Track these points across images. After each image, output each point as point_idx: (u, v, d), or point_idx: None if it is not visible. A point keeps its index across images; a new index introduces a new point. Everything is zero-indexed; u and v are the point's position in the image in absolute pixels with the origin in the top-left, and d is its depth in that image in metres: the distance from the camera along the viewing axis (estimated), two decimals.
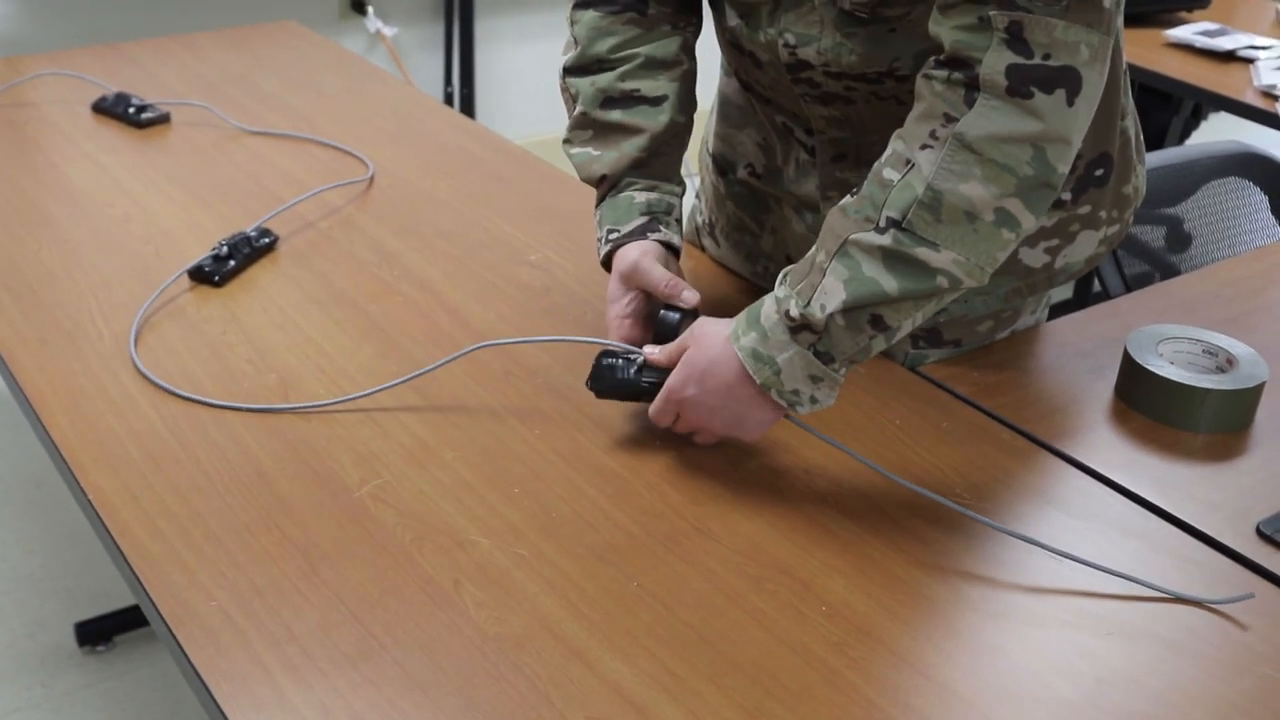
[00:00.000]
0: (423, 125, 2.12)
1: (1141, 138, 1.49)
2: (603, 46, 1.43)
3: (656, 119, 1.42)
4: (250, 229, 1.69)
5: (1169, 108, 3.37)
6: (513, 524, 1.21)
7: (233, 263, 1.62)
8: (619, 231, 1.40)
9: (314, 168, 1.94)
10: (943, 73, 1.15)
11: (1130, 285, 2.11)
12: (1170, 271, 2.20)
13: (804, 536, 1.21)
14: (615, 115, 1.42)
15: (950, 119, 1.14)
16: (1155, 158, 2.16)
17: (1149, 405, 1.42)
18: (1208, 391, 1.39)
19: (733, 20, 1.41)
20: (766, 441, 1.34)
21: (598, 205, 1.45)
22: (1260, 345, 1.55)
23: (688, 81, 1.45)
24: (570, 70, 1.46)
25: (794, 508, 1.25)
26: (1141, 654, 1.10)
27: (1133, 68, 2.84)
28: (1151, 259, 2.22)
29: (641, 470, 1.29)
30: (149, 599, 1.13)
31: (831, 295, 1.17)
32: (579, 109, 1.44)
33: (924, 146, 1.15)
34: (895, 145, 1.18)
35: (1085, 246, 1.47)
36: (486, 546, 1.19)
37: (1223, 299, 1.70)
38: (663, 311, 1.35)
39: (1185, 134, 3.49)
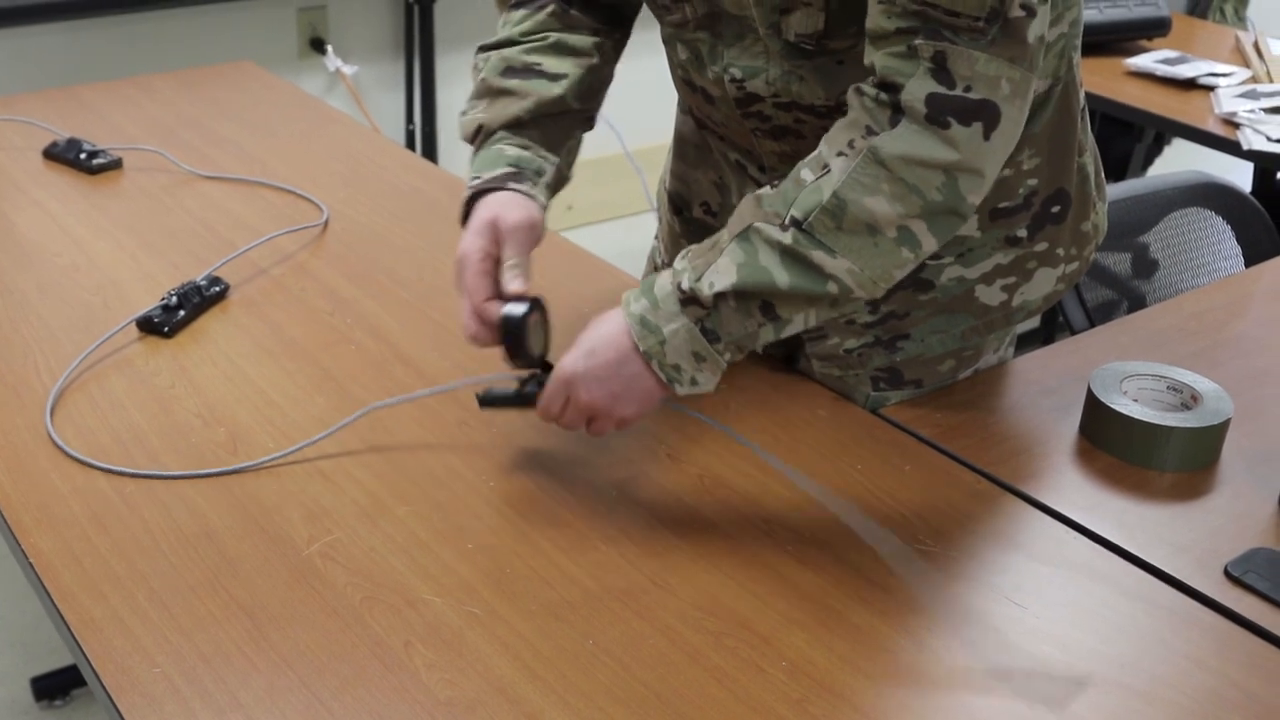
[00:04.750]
0: (379, 168, 2.09)
1: (1102, 175, 1.48)
2: (518, 30, 1.43)
3: (549, 89, 1.38)
4: (200, 277, 1.66)
5: (1131, 136, 3.37)
6: (465, 581, 1.19)
7: (182, 313, 1.59)
8: (479, 179, 1.35)
9: (267, 213, 1.91)
10: (872, 90, 1.15)
11: (1098, 314, 2.10)
12: (1137, 299, 2.19)
13: (764, 588, 1.19)
14: (512, 83, 1.39)
15: (871, 132, 1.14)
16: (1118, 189, 2.15)
17: (1114, 444, 1.40)
18: (1172, 430, 1.37)
19: (683, 55, 1.40)
20: (725, 492, 1.32)
21: (472, 159, 1.40)
22: (1225, 380, 1.54)
23: (594, 75, 1.42)
24: (483, 47, 1.45)
25: (754, 559, 1.22)
26: (1111, 705, 1.08)
27: (1094, 96, 2.84)
28: (1118, 287, 2.21)
29: (597, 523, 1.27)
30: (90, 666, 1.10)
31: (722, 275, 1.17)
32: (480, 77, 1.42)
33: (840, 154, 1.15)
34: (820, 148, 1.18)
35: (1043, 284, 1.45)
36: (438, 605, 1.16)
37: (1188, 332, 1.68)
38: (506, 308, 1.27)
39: (1148, 161, 3.49)
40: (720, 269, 1.17)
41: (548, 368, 1.28)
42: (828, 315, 1.20)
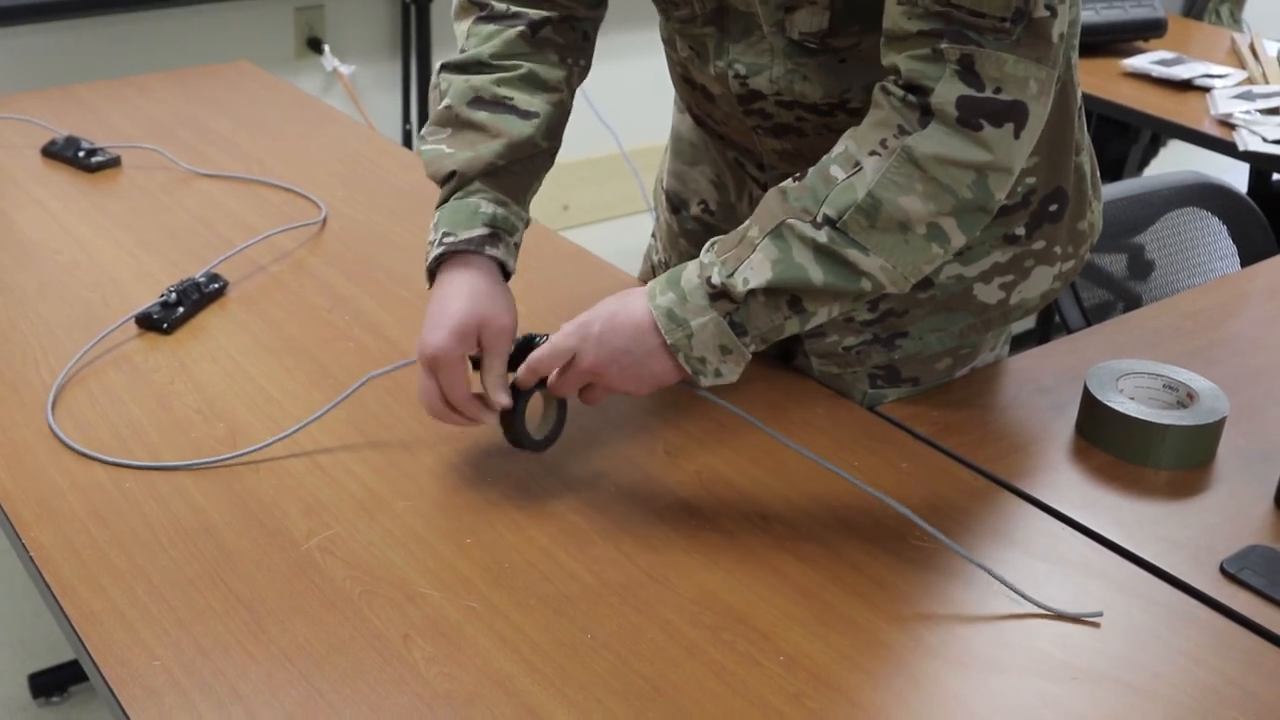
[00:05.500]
0: (377, 166, 2.09)
1: (1098, 174, 1.49)
2: (486, 50, 1.37)
3: (521, 129, 1.34)
4: (199, 274, 1.66)
5: (1127, 136, 3.38)
6: (464, 575, 1.19)
7: (181, 309, 1.59)
8: (455, 237, 1.30)
9: (266, 211, 1.91)
10: (899, 91, 1.15)
11: (1093, 314, 2.11)
12: (1133, 300, 2.19)
13: (761, 584, 1.19)
14: (481, 116, 1.34)
15: (903, 131, 1.14)
16: (1114, 189, 2.16)
17: (1110, 442, 1.40)
18: (1168, 428, 1.37)
19: (684, 52, 1.40)
20: (722, 488, 1.32)
21: (438, 206, 1.35)
22: (1221, 378, 1.54)
23: (561, 111, 1.39)
24: (447, 67, 1.39)
25: (751, 554, 1.23)
26: (1106, 700, 1.08)
27: (1090, 97, 2.85)
28: (1114, 288, 2.22)
29: (595, 518, 1.27)
30: (90, 658, 1.10)
31: (757, 271, 1.17)
32: (445, 103, 1.37)
33: (872, 153, 1.15)
34: (847, 144, 1.18)
35: (1040, 282, 1.46)
36: (437, 599, 1.16)
37: (1184, 331, 1.69)
38: (502, 414, 1.27)
39: (1144, 162, 3.50)
40: (755, 265, 1.17)
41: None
42: (849, 309, 1.21)
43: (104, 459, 1.33)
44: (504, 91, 1.36)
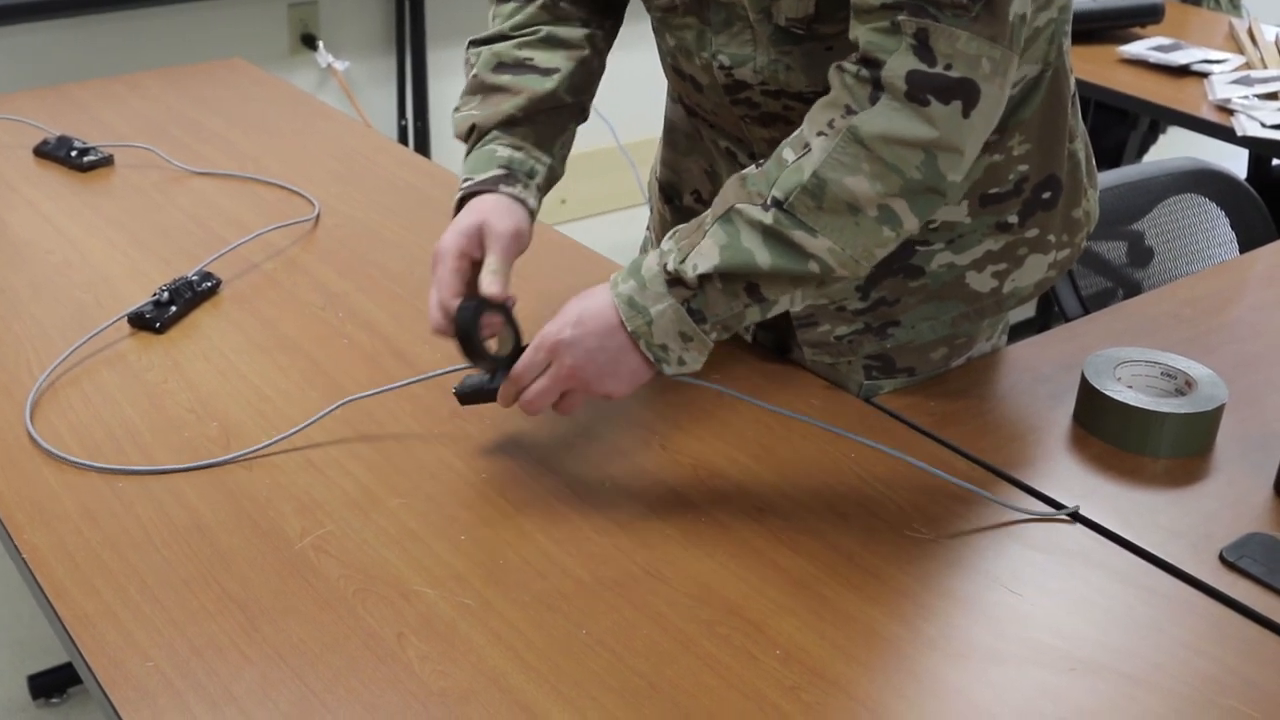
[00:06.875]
0: (371, 163, 2.09)
1: (1093, 162, 1.48)
2: (508, 24, 1.44)
3: (541, 85, 1.40)
4: (192, 273, 1.65)
5: (1125, 123, 3.37)
6: (458, 573, 1.18)
7: (174, 308, 1.58)
8: (471, 180, 1.37)
9: (259, 208, 1.90)
10: (854, 68, 1.15)
11: (1094, 302, 2.10)
12: (1132, 288, 2.19)
13: (756, 576, 1.18)
14: (504, 79, 1.41)
15: (850, 111, 1.14)
16: (1112, 176, 2.15)
17: (1108, 431, 1.40)
18: (1166, 415, 1.37)
19: (671, 42, 1.40)
20: (718, 481, 1.32)
21: (465, 159, 1.41)
22: (1220, 365, 1.54)
23: (586, 67, 1.44)
24: (474, 42, 1.47)
25: (746, 548, 1.22)
26: (1105, 690, 1.07)
27: (1088, 84, 2.84)
28: (1113, 275, 2.21)
29: (590, 514, 1.26)
30: (84, 660, 1.09)
31: (705, 257, 1.18)
32: (473, 73, 1.44)
33: (820, 134, 1.16)
34: (802, 127, 1.19)
35: (1034, 271, 1.45)
36: (431, 597, 1.15)
37: (1182, 319, 1.68)
38: (461, 302, 1.29)
39: (1143, 149, 3.49)
40: (703, 251, 1.18)
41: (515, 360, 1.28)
42: (815, 296, 1.21)
43: (73, 460, 1.32)
44: (524, 54, 1.41)
